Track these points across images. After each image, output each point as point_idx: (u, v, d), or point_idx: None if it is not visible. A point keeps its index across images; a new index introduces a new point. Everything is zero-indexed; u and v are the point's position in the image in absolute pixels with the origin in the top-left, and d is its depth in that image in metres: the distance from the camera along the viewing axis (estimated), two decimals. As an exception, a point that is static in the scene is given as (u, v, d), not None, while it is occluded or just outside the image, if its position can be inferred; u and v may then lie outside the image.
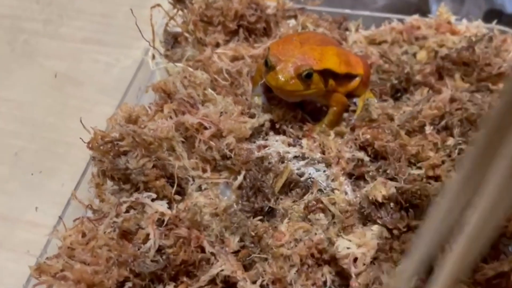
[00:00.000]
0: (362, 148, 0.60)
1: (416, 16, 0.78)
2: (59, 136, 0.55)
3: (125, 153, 0.55)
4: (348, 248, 0.48)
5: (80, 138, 0.53)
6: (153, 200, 0.52)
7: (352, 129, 0.63)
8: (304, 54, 0.59)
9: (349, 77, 0.64)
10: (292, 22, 0.77)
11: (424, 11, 0.85)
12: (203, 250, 0.49)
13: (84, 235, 0.50)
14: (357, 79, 0.65)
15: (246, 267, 0.49)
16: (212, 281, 0.47)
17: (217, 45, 0.69)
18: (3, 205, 0.49)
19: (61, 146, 0.54)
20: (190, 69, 0.64)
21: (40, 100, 0.51)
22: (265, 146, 0.60)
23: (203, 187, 0.57)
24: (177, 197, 0.54)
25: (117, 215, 0.50)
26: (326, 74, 0.60)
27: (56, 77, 0.54)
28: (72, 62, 0.56)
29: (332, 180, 0.57)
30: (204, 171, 0.58)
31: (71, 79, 0.57)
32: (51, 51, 0.56)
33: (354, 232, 0.50)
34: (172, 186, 0.55)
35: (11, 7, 0.55)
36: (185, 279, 0.48)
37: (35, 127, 0.52)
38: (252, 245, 0.50)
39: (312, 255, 0.49)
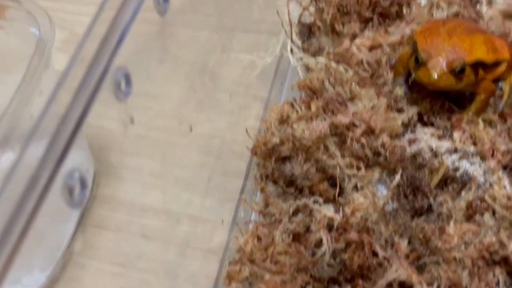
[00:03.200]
0: (517, 138, 0.59)
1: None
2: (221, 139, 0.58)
3: (286, 158, 0.57)
4: (521, 249, 0.49)
5: (247, 146, 0.56)
6: (319, 204, 0.55)
7: (501, 117, 0.62)
8: (454, 47, 0.59)
9: (497, 63, 0.63)
10: (422, 1, 0.75)
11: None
12: (375, 254, 0.51)
13: (259, 239, 0.54)
14: (504, 64, 0.64)
15: (417, 270, 0.51)
16: (389, 285, 0.50)
17: (353, 34, 0.69)
18: (191, 206, 0.53)
19: (224, 150, 0.58)
20: (334, 65, 0.64)
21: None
22: (414, 140, 0.61)
23: (358, 185, 0.59)
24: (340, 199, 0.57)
25: (290, 221, 0.53)
26: (477, 65, 0.60)
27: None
28: (223, 64, 0.58)
29: (490, 174, 0.57)
30: (358, 169, 0.59)
31: (223, 82, 0.59)
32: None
33: (524, 232, 0.51)
34: (332, 187, 0.57)
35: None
36: (360, 282, 0.50)
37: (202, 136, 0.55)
38: (421, 247, 0.52)
39: (483, 257, 0.50)
